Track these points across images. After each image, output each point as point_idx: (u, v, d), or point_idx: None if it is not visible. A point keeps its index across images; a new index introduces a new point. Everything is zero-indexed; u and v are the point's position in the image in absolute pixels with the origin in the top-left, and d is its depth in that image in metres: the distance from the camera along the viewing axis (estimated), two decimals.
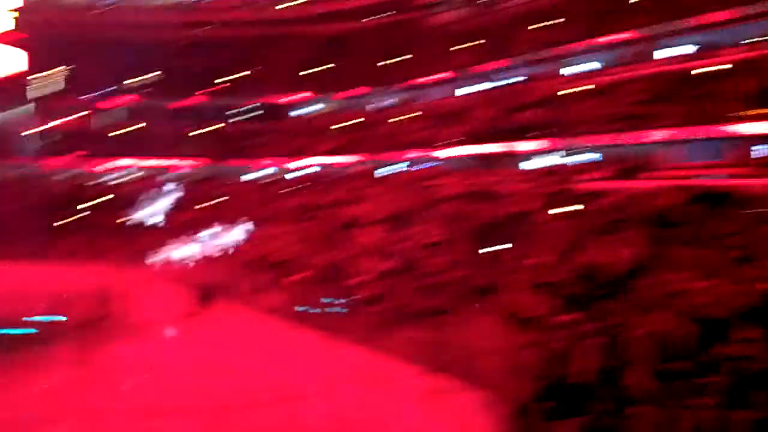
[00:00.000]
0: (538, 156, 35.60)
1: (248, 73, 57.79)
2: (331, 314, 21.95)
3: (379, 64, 50.21)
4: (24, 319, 24.71)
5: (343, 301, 22.54)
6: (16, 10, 35.12)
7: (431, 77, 46.95)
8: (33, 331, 24.04)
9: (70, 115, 56.85)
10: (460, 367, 16.04)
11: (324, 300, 23.03)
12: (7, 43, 36.70)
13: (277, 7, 56.19)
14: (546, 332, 15.56)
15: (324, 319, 21.99)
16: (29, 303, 30.06)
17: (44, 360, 20.04)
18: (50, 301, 31.55)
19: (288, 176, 48.37)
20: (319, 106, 54.93)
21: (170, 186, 53.22)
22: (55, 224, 47.74)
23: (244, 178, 52.41)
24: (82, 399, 16.32)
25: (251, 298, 26.60)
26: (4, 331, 23.62)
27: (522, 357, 14.54)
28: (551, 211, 25.50)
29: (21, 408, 15.36)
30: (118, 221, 47.72)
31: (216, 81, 57.59)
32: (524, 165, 35.96)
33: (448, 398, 15.28)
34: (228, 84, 57.86)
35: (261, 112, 56.29)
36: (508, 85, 42.22)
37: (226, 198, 47.55)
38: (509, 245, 23.58)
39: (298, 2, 55.72)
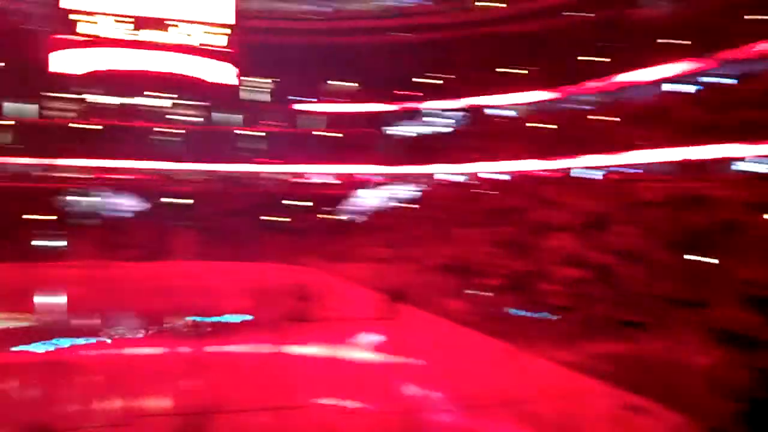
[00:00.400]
0: (753, 160, 32.56)
1: (444, 75, 58.16)
2: (520, 323, 21.23)
3: (577, 62, 48.41)
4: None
5: (532, 309, 21.73)
6: (227, 26, 37.56)
7: (632, 76, 44.50)
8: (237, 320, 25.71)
9: (278, 120, 60.23)
10: (657, 385, 14.88)
11: (512, 308, 22.37)
12: (218, 59, 39.33)
13: (477, 4, 55.87)
14: (754, 351, 14.06)
15: (512, 327, 21.35)
16: (233, 296, 32.30)
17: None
18: (253, 296, 33.64)
19: (481, 179, 47.90)
20: (516, 107, 53.90)
21: (367, 190, 54.93)
22: (262, 224, 50.65)
23: (437, 180, 52.68)
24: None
25: (439, 303, 26.48)
26: (214, 319, 25.55)
27: (726, 376, 13.22)
28: None
29: None
30: (320, 222, 49.93)
31: (412, 84, 58.47)
32: (736, 169, 33.01)
33: (642, 419, 14.21)
34: (425, 87, 58.56)
35: (457, 114, 56.22)
36: (718, 84, 38.99)
37: (416, 202, 48.12)
38: (717, 256, 21.67)
39: (494, 3, 55.18)
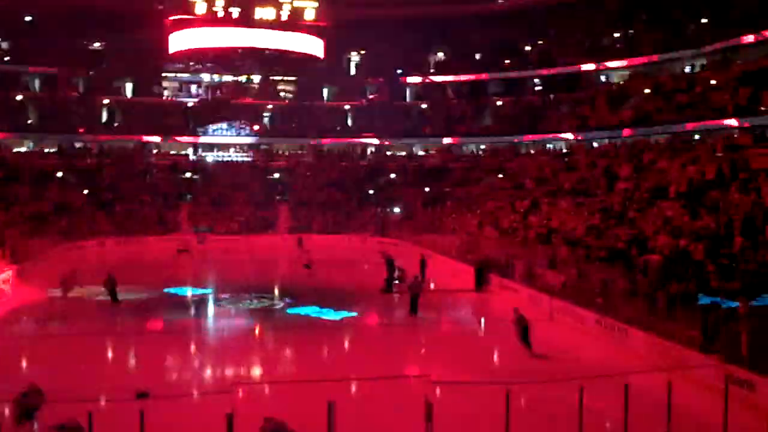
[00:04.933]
0: None
1: (540, 42, 56.59)
2: (619, 294, 20.43)
3: (676, 25, 46.02)
4: None
5: (633, 280, 20.83)
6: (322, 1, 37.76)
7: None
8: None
9: (374, 93, 60.25)
10: (764, 359, 13.97)
11: (611, 278, 21.53)
12: (308, 32, 39.50)
13: None
14: None
15: (611, 298, 20.60)
16: (330, 269, 32.75)
17: None
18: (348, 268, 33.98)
19: (580, 147, 46.43)
20: (617, 73, 51.84)
21: (462, 161, 54.35)
22: (358, 197, 50.97)
23: (534, 150, 51.53)
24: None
25: (534, 274, 25.88)
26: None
27: None
28: None
29: None
30: (415, 194, 49.80)
31: (512, 53, 57.17)
32: None
33: (747, 392, 13.38)
34: (525, 55, 57.15)
35: (556, 81, 54.60)
36: None
37: (511, 171, 47.18)
38: None
39: None
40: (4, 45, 54.86)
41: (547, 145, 50.90)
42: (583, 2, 51.48)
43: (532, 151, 51.72)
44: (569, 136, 49.05)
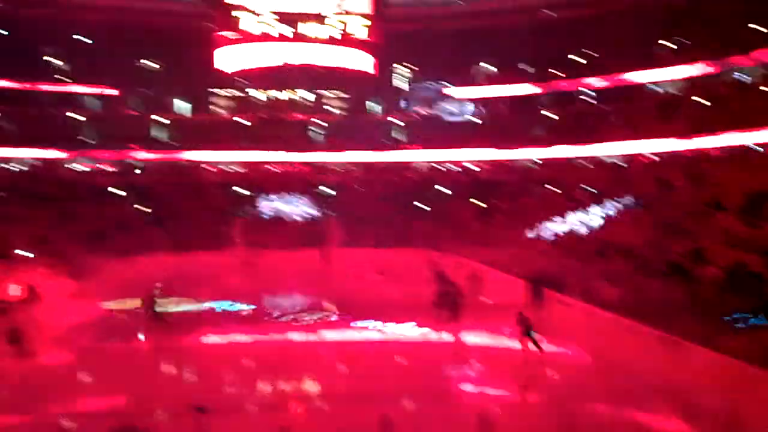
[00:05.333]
0: None
1: (592, 52, 55.92)
2: (679, 309, 19.90)
3: (740, 31, 44.97)
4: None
5: (692, 294, 20.32)
6: (367, 17, 37.91)
7: None
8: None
9: (422, 106, 60.37)
10: None
11: (670, 293, 21.03)
12: (362, 48, 39.74)
13: None
14: None
15: (671, 313, 20.08)
16: (380, 283, 32.73)
17: None
18: (398, 282, 33.91)
19: (633, 159, 45.69)
20: (671, 82, 50.88)
21: (512, 173, 53.91)
22: (408, 210, 50.90)
23: (585, 161, 50.86)
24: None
25: (589, 288, 25.43)
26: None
27: None
28: None
29: None
30: (465, 207, 49.57)
31: (560, 64, 56.67)
32: None
33: None
34: (573, 66, 56.58)
35: (608, 92, 53.86)
36: None
37: (562, 184, 46.62)
38: None
39: None
40: (64, 66, 56.47)
41: (601, 157, 50.14)
42: (634, 11, 50.74)
43: (585, 163, 51.03)
44: (623, 147, 48.24)
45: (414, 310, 26.73)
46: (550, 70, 56.63)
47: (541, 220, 40.22)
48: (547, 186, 48.06)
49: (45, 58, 55.68)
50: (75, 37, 55.77)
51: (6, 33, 54.07)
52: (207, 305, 28.29)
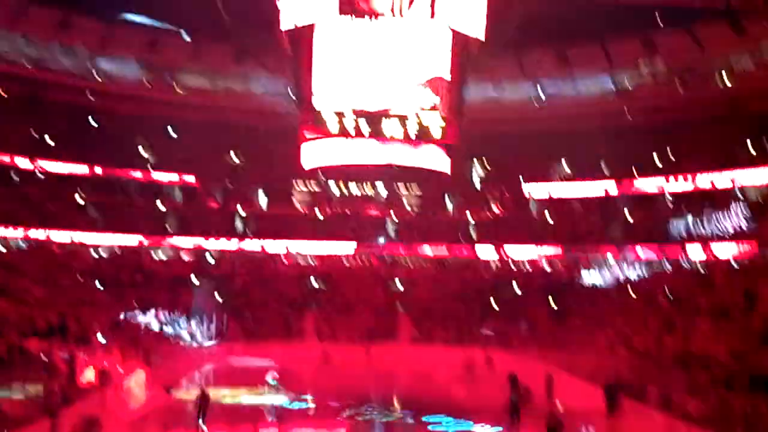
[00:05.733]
0: None
1: (670, 155, 55.23)
2: (758, 429, 18.71)
3: None
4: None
5: None
6: (445, 116, 38.56)
7: None
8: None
9: (498, 204, 60.41)
10: None
11: (758, 407, 19.80)
12: (434, 147, 40.32)
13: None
14: None
15: (758, 428, 18.88)
16: (451, 383, 31.98)
17: None
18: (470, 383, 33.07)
19: (718, 263, 44.10)
20: (752, 187, 49.58)
21: (591, 273, 52.75)
22: (481, 308, 50.22)
23: (668, 264, 49.41)
24: None
25: (670, 399, 24.23)
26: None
27: None
28: None
29: None
30: (540, 307, 48.61)
31: (640, 167, 56.16)
32: None
33: None
34: (654, 169, 55.92)
35: (689, 197, 52.83)
36: None
37: (644, 287, 45.27)
38: None
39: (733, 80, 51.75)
40: (150, 157, 59.15)
41: (682, 261, 48.74)
42: (713, 115, 50.35)
43: (666, 267, 49.61)
44: (705, 251, 46.83)
45: (484, 412, 25.99)
46: (628, 172, 56.16)
47: (618, 325, 38.95)
48: (625, 289, 46.77)
49: (133, 148, 58.46)
50: (162, 129, 58.67)
51: (98, 125, 57.51)
52: (272, 397, 28.14)
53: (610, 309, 44.07)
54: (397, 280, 54.88)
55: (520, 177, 59.30)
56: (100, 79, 56.57)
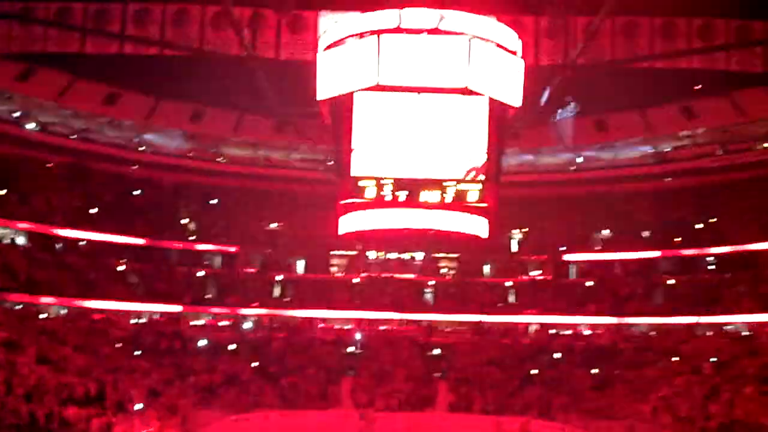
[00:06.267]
0: None
1: (712, 220, 54.58)
2: None
3: None
4: None
5: None
6: (483, 182, 38.79)
7: None
8: None
9: (536, 270, 59.91)
10: None
11: None
12: (472, 213, 40.49)
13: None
14: None
15: None
16: None
17: None
18: None
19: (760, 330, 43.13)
20: None
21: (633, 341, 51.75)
22: (520, 376, 49.33)
23: (711, 332, 48.34)
24: None
25: None
26: None
27: None
28: None
29: None
30: (581, 375, 47.66)
31: (680, 231, 55.54)
32: None
33: None
34: (694, 233, 55.24)
35: (731, 260, 51.91)
36: None
37: (683, 355, 44.27)
38: None
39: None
40: (191, 225, 60.20)
41: (725, 327, 47.63)
42: (752, 179, 49.93)
43: (709, 333, 48.49)
44: (749, 317, 45.77)
45: None
46: (670, 236, 55.54)
47: (661, 392, 38.04)
48: (668, 356, 45.79)
49: (175, 216, 59.68)
50: (203, 198, 59.89)
51: (141, 193, 58.93)
52: None
53: (654, 375, 43.19)
54: (434, 346, 54.35)
55: (560, 243, 58.90)
56: (143, 149, 58.32)
